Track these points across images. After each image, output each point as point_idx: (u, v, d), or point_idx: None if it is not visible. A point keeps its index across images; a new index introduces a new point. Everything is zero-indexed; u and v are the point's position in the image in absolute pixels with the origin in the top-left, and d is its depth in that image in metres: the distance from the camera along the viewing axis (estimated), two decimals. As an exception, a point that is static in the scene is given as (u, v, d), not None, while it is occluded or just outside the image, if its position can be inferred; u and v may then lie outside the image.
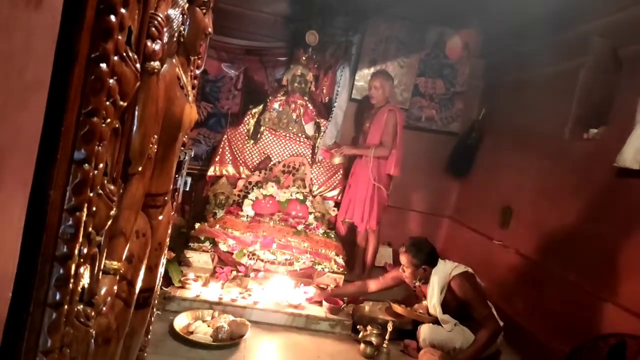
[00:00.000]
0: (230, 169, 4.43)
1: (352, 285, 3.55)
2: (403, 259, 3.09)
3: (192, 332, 2.74)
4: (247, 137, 4.47)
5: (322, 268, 3.77)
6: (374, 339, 2.94)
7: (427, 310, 3.25)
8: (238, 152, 4.45)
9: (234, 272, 3.60)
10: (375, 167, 4.16)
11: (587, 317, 2.91)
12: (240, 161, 4.45)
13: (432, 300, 2.99)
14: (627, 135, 2.73)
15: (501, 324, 2.90)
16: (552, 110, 3.74)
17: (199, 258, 3.59)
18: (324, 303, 3.28)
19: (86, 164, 0.82)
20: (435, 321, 3.04)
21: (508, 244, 3.96)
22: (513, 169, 4.18)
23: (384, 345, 2.89)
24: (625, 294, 2.69)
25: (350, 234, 4.44)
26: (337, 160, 4.31)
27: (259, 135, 4.47)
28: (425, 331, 2.95)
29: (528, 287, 3.60)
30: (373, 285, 3.38)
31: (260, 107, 4.50)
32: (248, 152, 4.48)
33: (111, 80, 0.84)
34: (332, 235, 4.16)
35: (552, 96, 3.79)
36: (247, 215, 4.03)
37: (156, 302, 1.69)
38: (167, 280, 3.11)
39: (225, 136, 4.45)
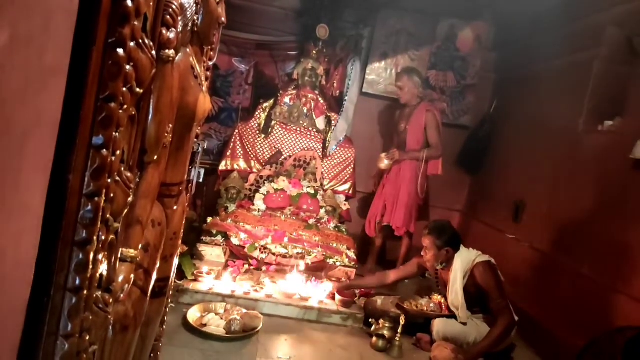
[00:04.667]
0: (241, 164, 4.44)
1: (371, 278, 3.56)
2: (426, 241, 3.07)
3: (205, 325, 2.75)
4: (258, 132, 4.48)
5: (334, 262, 3.77)
6: (386, 333, 2.93)
7: (439, 306, 3.24)
8: (249, 146, 4.46)
9: (246, 266, 3.62)
10: (424, 171, 4.15)
11: (602, 310, 2.88)
12: (252, 155, 4.46)
13: (455, 285, 2.96)
14: (644, 127, 2.70)
15: (516, 318, 2.88)
16: (565, 103, 3.69)
17: (212, 252, 3.60)
18: (337, 296, 3.28)
19: (104, 150, 0.82)
20: (448, 315, 3.03)
21: (521, 238, 3.93)
22: (526, 162, 4.14)
23: (397, 338, 2.89)
24: (641, 287, 2.65)
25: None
26: (384, 164, 4.21)
27: (270, 130, 4.48)
28: (439, 324, 2.94)
29: (541, 280, 3.57)
30: (393, 275, 3.37)
31: (271, 101, 4.51)
32: (259, 147, 4.49)
33: (128, 66, 0.84)
34: (344, 229, 4.16)
35: (565, 88, 3.74)
36: (259, 209, 4.05)
37: (171, 292, 1.69)
38: (180, 274, 3.13)
39: (237, 131, 4.47)
